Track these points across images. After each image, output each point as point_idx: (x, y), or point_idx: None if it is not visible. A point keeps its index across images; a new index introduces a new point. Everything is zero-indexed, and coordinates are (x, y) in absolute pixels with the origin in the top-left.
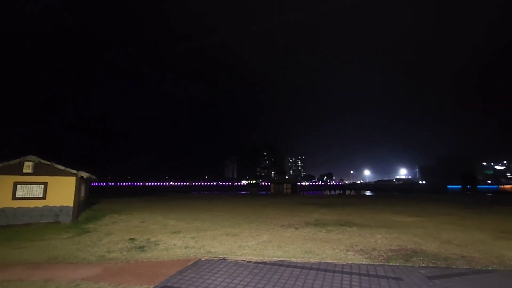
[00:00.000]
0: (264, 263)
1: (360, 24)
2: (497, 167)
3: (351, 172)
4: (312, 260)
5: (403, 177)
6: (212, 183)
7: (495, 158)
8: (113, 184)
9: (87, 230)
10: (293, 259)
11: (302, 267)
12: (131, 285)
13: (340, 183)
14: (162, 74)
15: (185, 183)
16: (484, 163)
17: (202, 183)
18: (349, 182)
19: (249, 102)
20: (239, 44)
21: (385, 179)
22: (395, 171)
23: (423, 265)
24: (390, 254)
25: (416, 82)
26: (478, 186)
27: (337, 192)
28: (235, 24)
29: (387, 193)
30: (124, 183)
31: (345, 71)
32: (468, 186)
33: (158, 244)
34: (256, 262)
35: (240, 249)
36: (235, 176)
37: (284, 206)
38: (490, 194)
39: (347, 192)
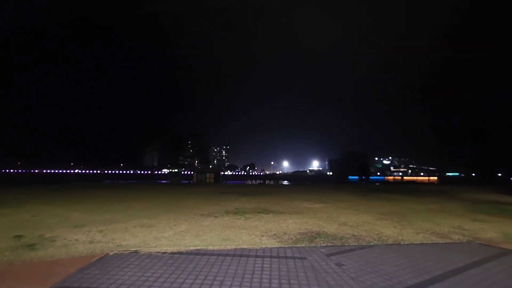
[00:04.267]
0: (180, 253)
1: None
2: (384, 161)
3: (272, 163)
4: (228, 247)
5: (315, 168)
6: (128, 172)
7: (384, 154)
8: None
9: None
10: (210, 247)
11: (219, 254)
12: None
13: (262, 173)
14: (67, 37)
15: (95, 171)
16: (376, 158)
17: (117, 171)
18: (269, 172)
19: (174, 86)
20: (170, 20)
21: (301, 170)
22: (309, 163)
23: (324, 244)
24: (298, 237)
25: (332, 86)
26: (370, 177)
27: (258, 181)
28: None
29: (301, 182)
30: (11, 170)
31: (273, 67)
32: (363, 177)
33: (54, 241)
34: (171, 253)
35: (156, 241)
36: (156, 164)
37: (205, 195)
38: (378, 184)
39: (267, 181)
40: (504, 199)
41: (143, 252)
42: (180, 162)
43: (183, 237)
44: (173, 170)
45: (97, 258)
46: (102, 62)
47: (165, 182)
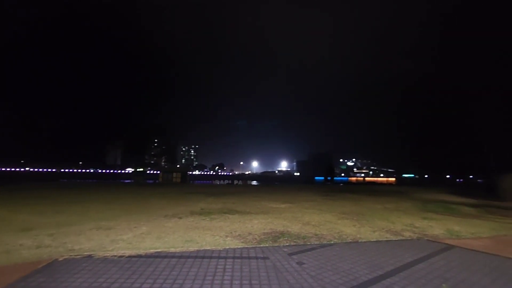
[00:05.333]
0: (139, 256)
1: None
2: (348, 163)
3: (241, 163)
4: (191, 249)
5: (284, 169)
6: (89, 170)
7: (348, 156)
8: None
9: None
10: (172, 249)
11: (180, 256)
12: None
13: (231, 173)
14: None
15: (50, 170)
16: (341, 160)
17: (75, 170)
18: (238, 172)
19: (141, 83)
20: (143, 16)
21: (269, 170)
22: (278, 164)
23: (287, 244)
24: (263, 237)
25: (301, 91)
26: (335, 178)
27: (227, 181)
28: None
29: (270, 183)
30: None
31: (244, 69)
32: (328, 178)
33: None
34: (129, 256)
35: (113, 244)
36: (119, 163)
37: (171, 195)
38: (342, 184)
39: (236, 182)
40: (450, 199)
41: (97, 256)
42: (146, 161)
43: (143, 239)
44: (137, 169)
45: (44, 264)
46: (61, 53)
47: (128, 182)
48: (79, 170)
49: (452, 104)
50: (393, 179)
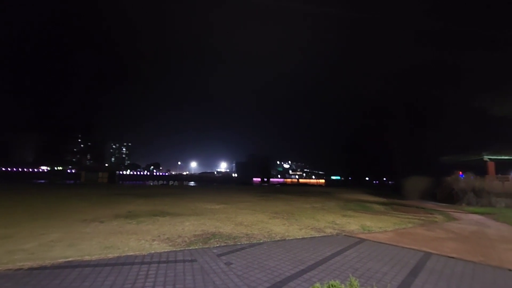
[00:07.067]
0: (43, 267)
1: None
2: (285, 165)
3: (179, 163)
4: (110, 256)
5: (223, 170)
6: None
7: (285, 158)
8: None
9: None
10: (86, 258)
11: (96, 264)
12: None
13: (167, 174)
14: None
15: None
16: (278, 162)
17: None
18: (176, 173)
19: (70, 62)
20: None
21: (208, 171)
22: (217, 165)
23: (217, 245)
24: (193, 239)
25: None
26: (272, 179)
27: (161, 182)
28: None
29: (208, 183)
30: None
31: (184, 68)
32: (265, 179)
33: None
34: (30, 269)
35: (9, 255)
36: (30, 160)
37: (93, 197)
38: (278, 185)
39: (171, 182)
40: (366, 198)
41: None
42: (67, 159)
43: (51, 248)
44: (56, 168)
45: None
46: None
47: (42, 182)
48: None
49: (371, 118)
50: (323, 181)
